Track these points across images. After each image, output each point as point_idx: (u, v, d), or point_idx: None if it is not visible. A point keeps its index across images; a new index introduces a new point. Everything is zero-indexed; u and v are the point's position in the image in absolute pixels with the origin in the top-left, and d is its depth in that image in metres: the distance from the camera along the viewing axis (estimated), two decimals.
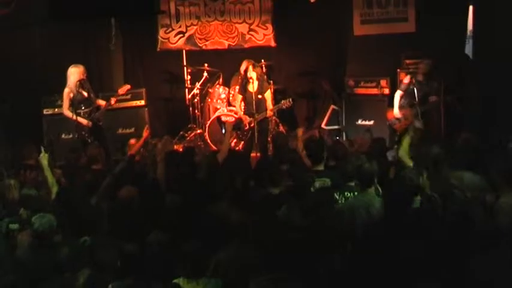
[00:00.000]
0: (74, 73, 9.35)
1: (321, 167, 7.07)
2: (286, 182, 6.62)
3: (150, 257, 4.90)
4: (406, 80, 9.95)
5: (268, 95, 9.95)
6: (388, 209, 5.67)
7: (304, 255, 4.77)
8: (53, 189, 6.85)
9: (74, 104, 9.34)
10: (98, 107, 9.55)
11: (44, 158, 7.08)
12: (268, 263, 4.75)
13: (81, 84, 9.33)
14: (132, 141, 9.15)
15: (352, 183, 6.42)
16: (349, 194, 6.37)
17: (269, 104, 9.93)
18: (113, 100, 9.55)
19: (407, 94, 9.91)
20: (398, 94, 10.03)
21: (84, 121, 9.39)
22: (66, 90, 9.38)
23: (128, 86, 9.93)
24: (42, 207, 6.30)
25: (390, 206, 5.69)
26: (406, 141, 7.24)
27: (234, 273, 4.75)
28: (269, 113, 9.90)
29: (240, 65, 10.15)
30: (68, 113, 9.40)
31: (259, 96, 9.74)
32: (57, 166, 8.28)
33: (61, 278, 5.01)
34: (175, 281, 4.75)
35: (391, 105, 10.07)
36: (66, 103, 9.41)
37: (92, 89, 9.51)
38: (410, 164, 6.87)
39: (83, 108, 9.43)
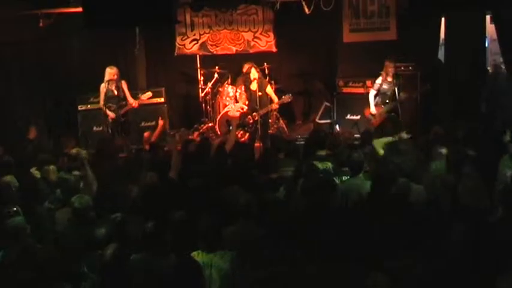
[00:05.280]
0: (107, 73, 9.43)
1: (323, 153, 7.07)
2: (285, 168, 6.60)
3: (171, 233, 4.75)
4: (379, 80, 9.83)
5: (269, 90, 9.93)
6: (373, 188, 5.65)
7: (303, 229, 4.72)
8: (93, 184, 6.60)
9: (105, 99, 9.43)
10: (125, 105, 9.51)
11: (85, 156, 6.93)
12: (270, 237, 4.71)
13: (110, 83, 9.37)
14: (146, 133, 9.09)
15: (346, 168, 6.43)
16: (345, 178, 6.38)
17: (274, 97, 9.91)
18: (135, 103, 9.51)
19: (381, 93, 9.82)
20: (372, 93, 9.87)
21: (111, 114, 9.42)
22: (102, 85, 9.47)
23: (149, 94, 9.95)
24: (75, 189, 6.28)
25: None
26: (386, 139, 7.22)
27: (239, 246, 4.69)
28: (275, 106, 9.92)
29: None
30: (102, 106, 9.48)
31: (260, 93, 9.73)
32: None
33: (94, 252, 4.91)
34: (193, 253, 4.61)
35: (367, 103, 9.97)
36: (102, 97, 9.49)
37: (124, 89, 9.49)
38: (382, 152, 7.01)
39: (112, 103, 9.45)
